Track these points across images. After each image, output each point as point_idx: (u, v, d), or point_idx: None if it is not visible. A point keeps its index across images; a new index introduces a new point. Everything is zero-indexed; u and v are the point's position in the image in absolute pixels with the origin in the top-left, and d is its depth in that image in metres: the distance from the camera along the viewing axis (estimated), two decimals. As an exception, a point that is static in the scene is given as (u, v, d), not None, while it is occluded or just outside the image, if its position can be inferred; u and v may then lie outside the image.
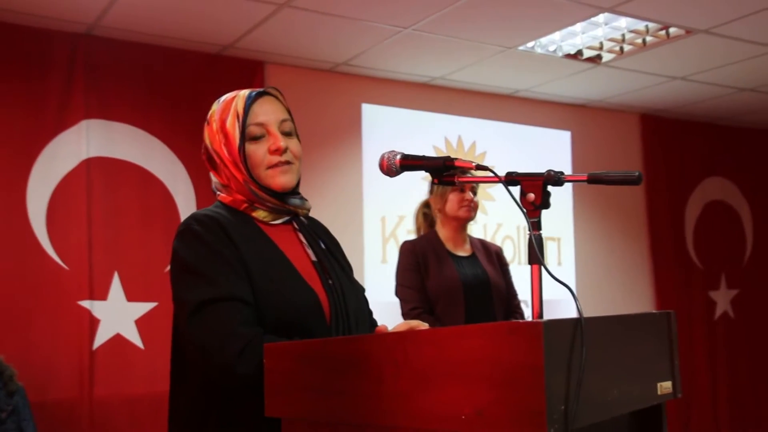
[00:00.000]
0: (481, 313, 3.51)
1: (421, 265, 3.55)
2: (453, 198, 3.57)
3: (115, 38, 4.50)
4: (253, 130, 1.77)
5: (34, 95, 4.30)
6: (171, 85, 4.68)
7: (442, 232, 3.65)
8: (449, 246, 3.63)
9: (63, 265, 4.26)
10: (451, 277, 3.52)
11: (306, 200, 1.88)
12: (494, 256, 3.75)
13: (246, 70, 4.90)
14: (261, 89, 1.84)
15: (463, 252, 3.66)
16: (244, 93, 1.82)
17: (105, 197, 4.41)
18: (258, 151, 1.77)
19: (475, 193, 3.63)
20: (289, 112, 1.85)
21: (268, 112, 1.80)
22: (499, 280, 3.65)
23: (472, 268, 3.61)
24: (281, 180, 1.77)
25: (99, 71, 4.46)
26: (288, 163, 1.78)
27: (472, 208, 3.61)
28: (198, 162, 1.83)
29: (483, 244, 3.79)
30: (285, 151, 1.78)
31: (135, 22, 4.29)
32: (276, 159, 1.77)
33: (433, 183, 1.83)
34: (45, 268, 4.22)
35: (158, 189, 4.59)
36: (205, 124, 1.84)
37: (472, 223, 3.73)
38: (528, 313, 4.33)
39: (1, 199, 4.18)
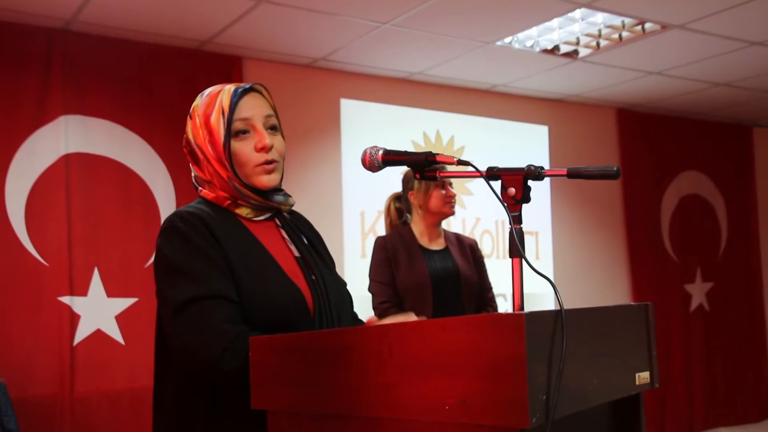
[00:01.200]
0: (449, 307, 3.51)
1: (392, 260, 3.55)
2: (437, 195, 3.57)
3: (93, 33, 4.47)
4: (238, 125, 1.76)
5: (12, 91, 4.26)
6: (149, 81, 4.65)
7: (418, 226, 3.63)
8: (423, 241, 3.62)
9: (43, 261, 4.24)
10: (420, 272, 3.52)
11: (290, 196, 1.88)
12: (468, 249, 3.73)
13: (224, 66, 4.88)
14: (247, 85, 1.82)
15: (437, 246, 3.65)
16: (230, 88, 1.79)
17: (84, 193, 4.38)
18: (244, 149, 1.76)
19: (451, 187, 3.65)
20: (274, 108, 1.84)
21: (253, 107, 1.78)
22: (471, 274, 3.64)
23: (442, 261, 3.61)
24: (266, 180, 1.77)
25: (77, 67, 4.43)
26: (274, 161, 1.78)
27: (454, 204, 3.64)
28: (177, 157, 1.83)
29: (458, 238, 3.78)
30: (271, 148, 1.77)
31: (112, 17, 4.26)
32: (262, 158, 1.76)
33: (414, 178, 1.84)
34: (24, 264, 4.20)
35: (137, 185, 4.57)
36: (188, 117, 1.82)
37: (450, 217, 3.76)
38: (503, 306, 4.36)
39: (-21, 196, 4.15)
